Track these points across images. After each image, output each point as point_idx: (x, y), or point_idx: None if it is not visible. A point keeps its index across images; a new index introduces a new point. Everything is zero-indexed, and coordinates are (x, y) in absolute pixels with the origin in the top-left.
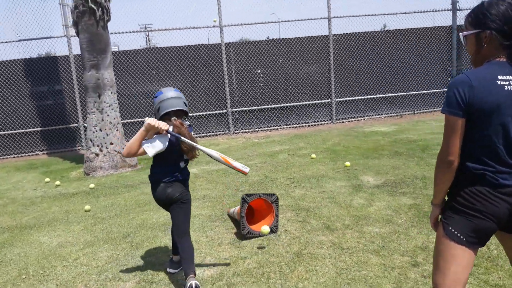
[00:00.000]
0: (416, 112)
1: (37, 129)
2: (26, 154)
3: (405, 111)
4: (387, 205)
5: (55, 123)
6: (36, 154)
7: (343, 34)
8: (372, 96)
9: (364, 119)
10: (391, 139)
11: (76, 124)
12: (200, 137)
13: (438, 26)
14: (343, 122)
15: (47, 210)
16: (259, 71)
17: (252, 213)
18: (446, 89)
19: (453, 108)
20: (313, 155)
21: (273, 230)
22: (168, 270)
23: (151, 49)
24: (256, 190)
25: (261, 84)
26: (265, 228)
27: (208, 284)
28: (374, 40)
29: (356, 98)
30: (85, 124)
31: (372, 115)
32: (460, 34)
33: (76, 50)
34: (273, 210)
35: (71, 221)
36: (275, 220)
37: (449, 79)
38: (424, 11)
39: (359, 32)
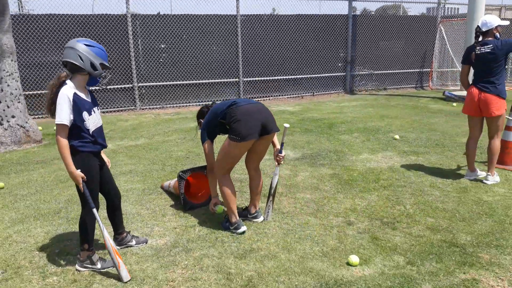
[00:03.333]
0: (315, 93)
1: None
2: None
3: (306, 93)
4: (310, 175)
5: None
6: None
7: (251, 15)
8: (276, 78)
9: (269, 99)
10: (298, 117)
11: None
12: (105, 112)
13: (337, 14)
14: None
15: None
16: (162, 45)
17: (188, 186)
18: (341, 73)
19: None
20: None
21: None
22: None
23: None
24: (182, 165)
25: (167, 60)
26: (220, 208)
27: (165, 251)
28: (280, 24)
29: (262, 78)
30: None
31: (277, 95)
32: None
33: None
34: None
35: None
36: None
37: (340, 64)
38: None
39: (266, 14)
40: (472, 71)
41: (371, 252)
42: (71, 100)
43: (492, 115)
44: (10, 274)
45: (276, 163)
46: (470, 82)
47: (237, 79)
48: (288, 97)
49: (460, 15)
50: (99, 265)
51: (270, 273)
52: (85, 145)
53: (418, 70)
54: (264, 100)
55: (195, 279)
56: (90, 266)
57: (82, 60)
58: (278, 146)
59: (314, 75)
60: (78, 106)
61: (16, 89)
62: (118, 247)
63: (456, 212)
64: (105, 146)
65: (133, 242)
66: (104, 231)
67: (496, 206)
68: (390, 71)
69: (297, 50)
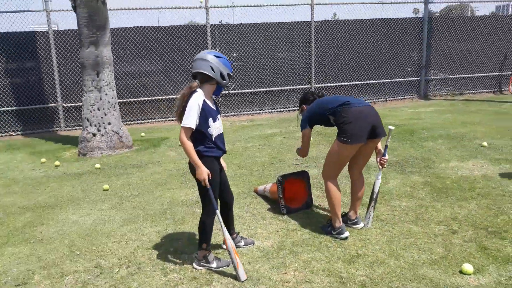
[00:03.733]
0: (387, 99)
1: (12, 108)
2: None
3: (378, 98)
4: (401, 182)
5: (31, 102)
6: (10, 135)
7: (324, 21)
8: (348, 83)
9: None
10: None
11: (55, 104)
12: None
13: (411, 17)
14: None
15: (60, 190)
16: (235, 54)
17: (283, 190)
18: (415, 78)
19: None
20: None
21: (309, 204)
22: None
23: (142, 28)
24: (269, 170)
25: (239, 69)
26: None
27: (273, 253)
28: (356, 28)
29: (334, 84)
30: (64, 104)
31: None
32: None
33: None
34: (304, 186)
35: (95, 200)
36: (309, 196)
37: (408, 69)
38: (399, 2)
39: (338, 20)
40: None
41: (483, 261)
42: (200, 107)
43: None
44: (134, 269)
45: (380, 167)
46: None
47: (309, 86)
48: None
49: None
50: (214, 264)
51: (383, 279)
52: (209, 150)
53: (497, 73)
54: None
55: (308, 281)
56: (206, 264)
57: (213, 70)
58: (381, 149)
59: (387, 80)
60: (205, 113)
61: (112, 98)
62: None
63: None
64: (225, 152)
65: (242, 243)
66: (225, 231)
67: None
68: (467, 75)
69: (370, 55)
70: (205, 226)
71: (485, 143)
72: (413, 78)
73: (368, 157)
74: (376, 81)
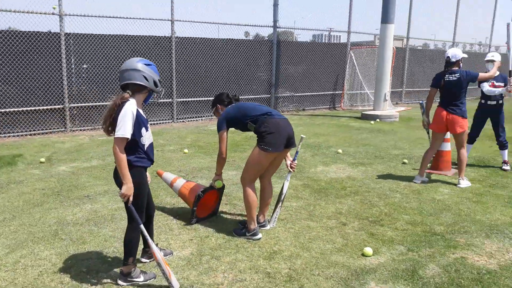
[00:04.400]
0: None
1: None
2: None
3: None
4: None
5: None
6: None
7: (185, 37)
8: (209, 98)
9: (202, 119)
10: (242, 136)
11: None
12: (32, 134)
13: (263, 40)
14: (183, 121)
15: None
16: (85, 66)
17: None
18: (266, 95)
19: None
20: (186, 150)
21: (215, 212)
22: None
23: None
24: (156, 183)
25: (94, 81)
26: (219, 183)
27: (196, 260)
28: (211, 46)
29: (194, 99)
30: None
31: (209, 116)
32: None
33: None
34: (216, 196)
35: None
36: (218, 205)
37: (254, 87)
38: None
39: (198, 38)
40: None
41: (375, 244)
42: (135, 116)
43: (458, 132)
44: None
45: (290, 170)
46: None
47: (170, 100)
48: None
49: (366, 43)
50: (141, 278)
51: (304, 269)
52: (140, 160)
53: (331, 92)
54: (197, 120)
55: (240, 280)
56: (132, 280)
57: (147, 80)
58: (290, 155)
59: (245, 97)
60: (139, 122)
61: None
62: (155, 258)
63: (422, 209)
64: (153, 162)
65: (162, 254)
66: (152, 244)
67: (448, 202)
68: (308, 94)
69: (228, 72)
70: (132, 241)
71: (340, 150)
72: (265, 96)
73: (278, 165)
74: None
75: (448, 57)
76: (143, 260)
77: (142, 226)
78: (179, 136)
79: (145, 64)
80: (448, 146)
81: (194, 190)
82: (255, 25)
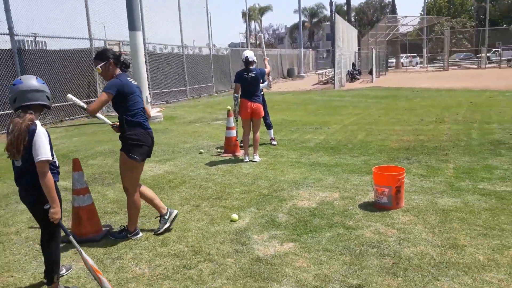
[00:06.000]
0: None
1: None
2: None
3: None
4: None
5: None
6: None
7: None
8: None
9: None
10: None
11: None
12: None
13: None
14: None
15: None
16: None
17: None
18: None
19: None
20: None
21: None
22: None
23: None
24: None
25: None
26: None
27: (100, 265)
28: None
29: None
30: None
31: None
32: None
33: None
34: None
35: None
36: None
37: None
38: None
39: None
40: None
41: (233, 212)
42: (47, 136)
43: (260, 117)
44: None
45: None
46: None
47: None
48: None
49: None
50: None
51: (199, 242)
52: (55, 176)
53: (85, 100)
54: None
55: (158, 265)
56: None
57: (49, 99)
58: None
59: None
60: (49, 141)
61: None
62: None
63: (242, 182)
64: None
65: (64, 270)
66: (83, 253)
67: (256, 173)
68: (64, 104)
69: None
70: (56, 258)
71: (202, 150)
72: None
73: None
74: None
75: (247, 57)
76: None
77: (71, 237)
78: None
79: (43, 83)
80: (234, 133)
81: None
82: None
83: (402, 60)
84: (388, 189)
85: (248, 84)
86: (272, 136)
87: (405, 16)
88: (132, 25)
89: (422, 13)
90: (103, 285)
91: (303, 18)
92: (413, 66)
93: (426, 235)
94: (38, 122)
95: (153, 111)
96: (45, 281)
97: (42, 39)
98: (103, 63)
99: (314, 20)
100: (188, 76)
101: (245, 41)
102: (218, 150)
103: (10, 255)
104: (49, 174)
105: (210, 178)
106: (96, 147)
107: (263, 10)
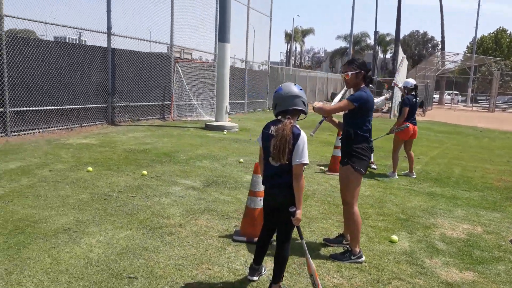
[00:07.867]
0: (82, 125)
1: None
2: None
3: (74, 124)
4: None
5: None
6: None
7: (17, 36)
8: (46, 108)
9: (40, 131)
10: (115, 149)
11: None
12: None
13: (95, 46)
14: (18, 135)
15: None
16: None
17: None
18: (103, 104)
19: None
20: (90, 168)
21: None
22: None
23: None
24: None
25: None
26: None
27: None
28: (45, 49)
29: (32, 108)
30: None
31: (46, 127)
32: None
33: None
34: None
35: None
36: None
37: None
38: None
39: (32, 38)
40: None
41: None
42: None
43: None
44: None
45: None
46: None
47: (2, 109)
48: (58, 129)
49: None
50: None
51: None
52: None
53: (160, 102)
54: (34, 133)
55: (351, 277)
56: None
57: (305, 104)
58: None
59: (80, 106)
60: None
61: None
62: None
63: (369, 205)
64: None
65: (263, 270)
66: (309, 257)
67: (381, 199)
68: (142, 103)
69: (63, 79)
70: (287, 257)
71: (241, 160)
72: (102, 105)
73: None
74: (71, 107)
75: (410, 84)
76: (254, 278)
77: (304, 241)
78: (47, 153)
79: (300, 89)
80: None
81: None
82: (88, 30)
83: (445, 97)
84: None
85: (412, 108)
86: (372, 160)
87: (457, 54)
88: (223, 37)
89: (466, 51)
90: None
91: (345, 44)
92: (455, 104)
93: None
94: (298, 126)
95: (230, 122)
96: (269, 278)
97: (132, 40)
98: (356, 72)
99: (357, 47)
100: (248, 89)
101: (284, 60)
102: (322, 167)
103: (191, 248)
104: (303, 177)
105: (331, 195)
106: (193, 150)
107: (305, 33)
